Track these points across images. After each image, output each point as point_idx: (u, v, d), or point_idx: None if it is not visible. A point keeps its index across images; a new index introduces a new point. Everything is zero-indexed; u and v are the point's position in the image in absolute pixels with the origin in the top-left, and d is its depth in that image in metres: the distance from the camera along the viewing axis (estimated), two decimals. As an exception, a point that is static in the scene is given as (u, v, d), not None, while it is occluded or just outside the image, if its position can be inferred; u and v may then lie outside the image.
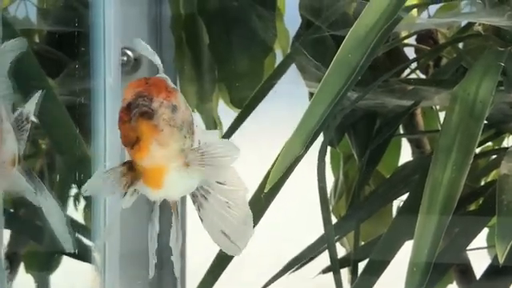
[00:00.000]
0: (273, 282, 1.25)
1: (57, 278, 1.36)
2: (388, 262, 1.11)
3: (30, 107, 0.79)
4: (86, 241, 1.04)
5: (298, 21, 1.34)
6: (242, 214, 0.72)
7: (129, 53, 1.25)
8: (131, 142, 0.67)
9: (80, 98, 1.08)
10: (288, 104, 1.41)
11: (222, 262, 1.10)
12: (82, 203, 1.24)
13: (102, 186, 0.69)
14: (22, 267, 1.42)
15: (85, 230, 1.06)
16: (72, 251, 0.78)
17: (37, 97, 0.80)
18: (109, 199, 0.85)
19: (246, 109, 1.27)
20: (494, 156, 1.33)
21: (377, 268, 1.12)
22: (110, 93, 1.08)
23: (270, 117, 1.37)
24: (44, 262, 1.39)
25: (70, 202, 1.16)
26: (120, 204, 0.72)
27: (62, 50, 1.30)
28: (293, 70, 1.32)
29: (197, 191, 0.72)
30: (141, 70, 1.29)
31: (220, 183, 0.71)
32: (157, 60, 0.72)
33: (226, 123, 1.35)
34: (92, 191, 0.70)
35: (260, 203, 1.05)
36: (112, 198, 0.73)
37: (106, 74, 1.07)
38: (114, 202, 0.77)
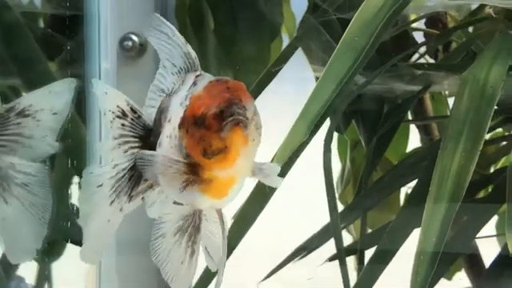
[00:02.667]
0: (278, 271, 1.24)
1: (55, 264, 1.36)
2: (395, 251, 1.10)
3: (33, 100, 0.71)
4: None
5: (305, 4, 1.32)
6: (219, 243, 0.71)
7: (134, 38, 1.23)
8: (215, 152, 0.62)
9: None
10: (294, 88, 1.39)
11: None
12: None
13: (161, 168, 0.64)
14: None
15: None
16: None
17: (47, 90, 0.71)
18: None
19: (252, 93, 1.25)
20: (504, 142, 1.31)
21: (383, 257, 1.10)
22: (105, 79, 1.06)
23: (276, 101, 1.35)
24: (48, 249, 1.38)
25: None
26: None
27: (65, 33, 1.28)
28: (299, 54, 1.30)
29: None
30: (146, 56, 1.28)
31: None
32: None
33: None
34: (146, 163, 0.65)
35: (264, 190, 1.03)
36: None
37: (102, 60, 1.05)
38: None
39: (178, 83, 0.69)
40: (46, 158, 0.72)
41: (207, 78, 0.66)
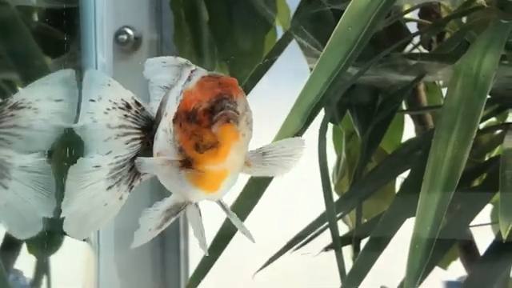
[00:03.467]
0: (274, 260, 1.25)
1: (53, 257, 1.36)
2: (389, 239, 1.11)
3: (26, 95, 0.70)
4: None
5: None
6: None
7: (129, 31, 1.24)
8: (206, 146, 0.63)
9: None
10: (289, 81, 1.39)
11: (222, 240, 1.09)
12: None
13: (158, 167, 0.66)
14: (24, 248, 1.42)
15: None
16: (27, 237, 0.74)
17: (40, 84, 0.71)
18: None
19: (246, 86, 1.26)
20: (498, 131, 1.31)
21: (378, 245, 1.11)
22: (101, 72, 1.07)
23: (271, 94, 1.36)
24: (45, 243, 1.38)
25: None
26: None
27: (61, 27, 1.28)
28: (294, 46, 1.31)
29: None
30: (141, 49, 1.28)
31: None
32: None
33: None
34: (146, 167, 0.67)
35: (258, 181, 1.04)
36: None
37: (98, 53, 1.06)
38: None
39: (176, 78, 0.70)
40: (54, 142, 0.72)
41: (201, 72, 0.67)
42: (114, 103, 0.69)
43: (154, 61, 0.71)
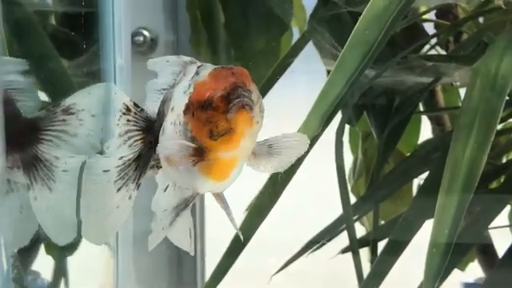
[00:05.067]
0: (291, 263, 1.24)
1: (71, 259, 1.37)
2: (408, 242, 1.10)
3: (76, 99, 0.75)
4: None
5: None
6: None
7: (145, 33, 1.24)
8: (221, 133, 0.65)
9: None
10: (306, 82, 1.39)
11: (239, 242, 1.09)
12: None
13: (174, 151, 0.67)
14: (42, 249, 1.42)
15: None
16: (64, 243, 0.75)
17: (90, 92, 0.74)
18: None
19: (262, 88, 1.26)
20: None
21: (396, 248, 1.10)
22: (119, 75, 1.07)
23: (288, 95, 1.36)
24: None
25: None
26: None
27: (79, 30, 1.29)
28: (310, 47, 1.31)
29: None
30: (157, 51, 1.28)
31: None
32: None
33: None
34: (166, 151, 0.68)
35: (277, 183, 1.04)
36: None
37: (116, 56, 1.06)
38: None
39: (179, 77, 0.71)
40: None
41: (210, 66, 0.69)
42: (120, 110, 0.71)
43: (156, 61, 0.73)
